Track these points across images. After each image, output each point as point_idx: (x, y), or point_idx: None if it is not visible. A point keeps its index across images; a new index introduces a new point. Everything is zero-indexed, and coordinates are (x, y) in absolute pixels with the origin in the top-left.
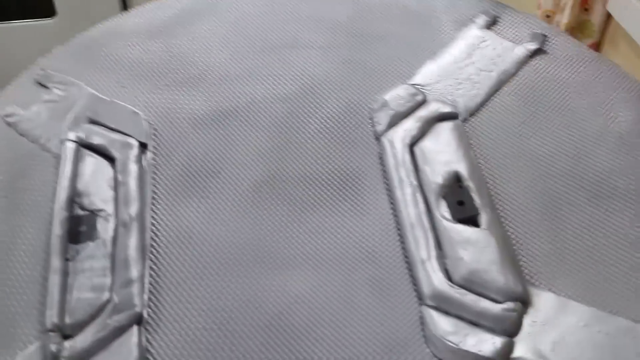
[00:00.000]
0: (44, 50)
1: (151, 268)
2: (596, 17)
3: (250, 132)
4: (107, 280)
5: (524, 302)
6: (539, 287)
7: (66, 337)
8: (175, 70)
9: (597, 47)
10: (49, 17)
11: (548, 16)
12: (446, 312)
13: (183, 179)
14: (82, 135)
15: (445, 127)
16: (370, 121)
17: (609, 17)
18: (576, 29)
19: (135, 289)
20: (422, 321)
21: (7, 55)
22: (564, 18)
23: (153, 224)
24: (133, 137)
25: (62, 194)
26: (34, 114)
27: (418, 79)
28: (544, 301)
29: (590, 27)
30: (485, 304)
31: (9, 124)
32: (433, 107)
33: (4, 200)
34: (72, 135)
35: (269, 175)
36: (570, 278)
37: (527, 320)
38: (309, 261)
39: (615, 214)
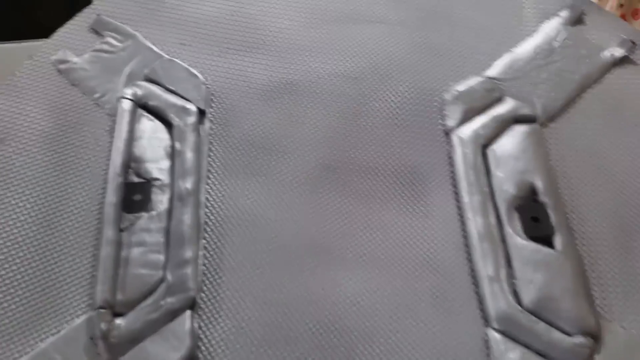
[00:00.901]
0: None
1: (205, 248)
2: None
3: (314, 111)
4: (161, 257)
5: (595, 337)
6: (609, 321)
7: (115, 314)
8: (240, 33)
9: None
10: None
11: None
12: (513, 339)
13: (240, 154)
14: (139, 93)
15: (523, 131)
16: (440, 113)
17: None
18: None
19: (189, 270)
20: (487, 345)
21: None
22: None
23: (207, 200)
24: (192, 102)
25: (118, 158)
26: (87, 63)
27: (494, 71)
28: (614, 338)
29: None
30: (557, 336)
31: (60, 71)
32: (510, 106)
33: (54, 155)
34: (128, 93)
35: (332, 160)
36: None
37: (597, 358)
38: (369, 261)
39: None
